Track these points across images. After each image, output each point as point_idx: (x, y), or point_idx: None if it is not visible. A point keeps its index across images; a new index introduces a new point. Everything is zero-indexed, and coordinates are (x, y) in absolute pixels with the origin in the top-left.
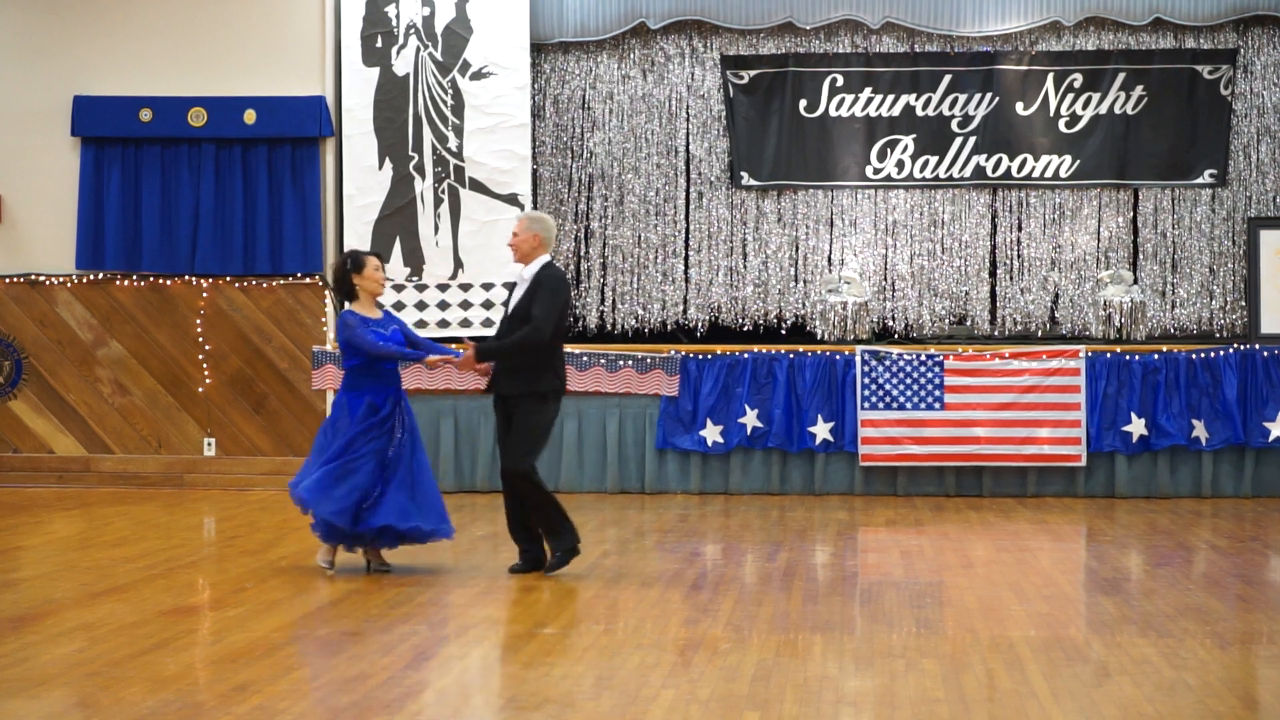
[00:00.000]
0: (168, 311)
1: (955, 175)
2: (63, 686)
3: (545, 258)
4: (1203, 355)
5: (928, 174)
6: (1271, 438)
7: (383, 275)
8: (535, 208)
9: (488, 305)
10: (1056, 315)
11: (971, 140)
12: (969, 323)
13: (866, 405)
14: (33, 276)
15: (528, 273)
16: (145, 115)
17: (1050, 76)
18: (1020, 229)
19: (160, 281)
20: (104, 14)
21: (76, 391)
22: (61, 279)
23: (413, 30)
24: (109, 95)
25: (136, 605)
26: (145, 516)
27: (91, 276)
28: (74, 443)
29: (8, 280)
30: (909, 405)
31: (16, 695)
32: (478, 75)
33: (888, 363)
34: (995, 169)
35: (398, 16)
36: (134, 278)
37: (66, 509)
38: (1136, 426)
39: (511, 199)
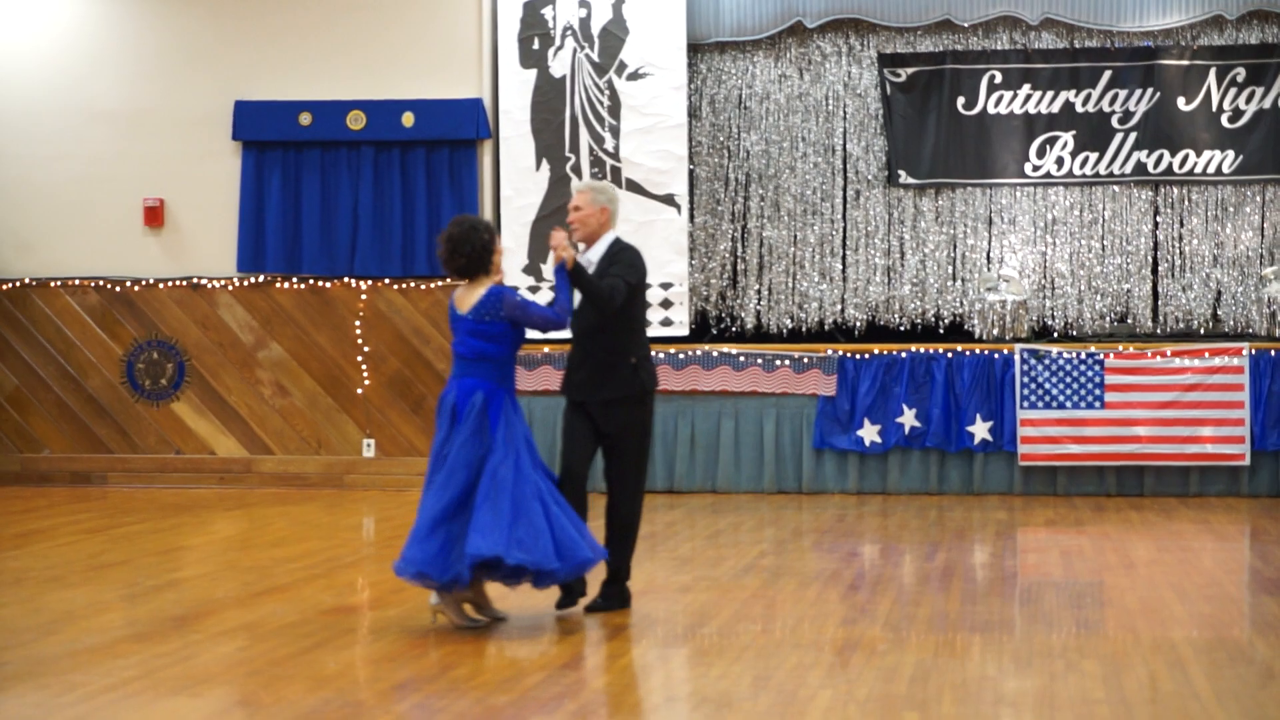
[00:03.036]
0: (327, 313)
1: (1116, 171)
2: (224, 685)
3: (614, 234)
4: None
5: (1088, 170)
6: None
7: None
8: (692, 208)
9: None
10: (1219, 312)
11: (1132, 136)
12: (1130, 321)
13: (1026, 404)
14: (194, 280)
15: (595, 253)
16: (305, 119)
17: (1212, 71)
18: (1182, 225)
19: (320, 284)
20: (264, 19)
21: (238, 393)
22: (223, 282)
23: (569, 32)
24: (269, 100)
25: (297, 605)
26: (306, 517)
27: (252, 279)
28: (235, 444)
29: (170, 284)
30: (1069, 404)
31: (179, 693)
32: (634, 76)
33: (1047, 361)
34: (1156, 165)
35: (554, 18)
36: (294, 280)
37: (228, 509)
38: None
39: (668, 199)
